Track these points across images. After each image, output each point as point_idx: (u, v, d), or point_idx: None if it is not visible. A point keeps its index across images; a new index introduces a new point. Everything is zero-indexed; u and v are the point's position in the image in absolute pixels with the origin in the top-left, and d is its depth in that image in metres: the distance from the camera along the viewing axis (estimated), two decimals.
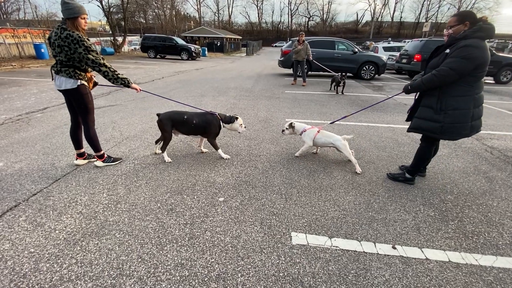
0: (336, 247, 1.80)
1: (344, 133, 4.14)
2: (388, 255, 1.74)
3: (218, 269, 1.60)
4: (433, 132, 2.28)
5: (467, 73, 2.03)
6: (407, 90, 2.38)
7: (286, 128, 3.24)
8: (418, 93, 2.43)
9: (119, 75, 2.50)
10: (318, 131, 3.08)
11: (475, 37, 1.97)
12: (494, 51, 10.12)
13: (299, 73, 8.83)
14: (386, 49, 14.30)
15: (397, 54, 12.24)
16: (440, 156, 3.37)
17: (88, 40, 2.38)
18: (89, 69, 2.55)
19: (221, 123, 3.03)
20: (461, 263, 1.69)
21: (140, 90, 2.76)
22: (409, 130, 2.50)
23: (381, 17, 66.48)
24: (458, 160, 3.27)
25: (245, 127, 3.18)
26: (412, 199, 2.40)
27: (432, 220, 2.11)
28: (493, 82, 10.49)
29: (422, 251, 1.78)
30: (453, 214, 2.20)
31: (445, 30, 2.19)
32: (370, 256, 1.73)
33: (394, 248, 1.80)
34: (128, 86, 2.59)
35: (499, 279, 1.58)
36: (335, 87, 7.66)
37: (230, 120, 3.05)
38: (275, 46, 54.70)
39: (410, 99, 7.01)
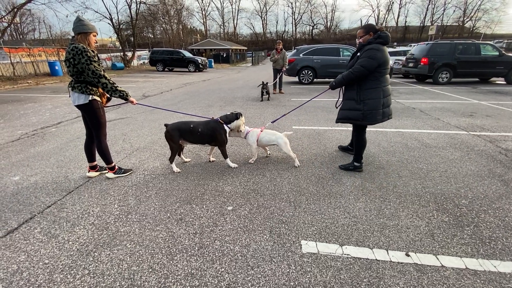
0: (348, 255, 1.77)
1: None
2: (401, 263, 1.69)
3: (228, 278, 1.59)
4: (357, 119, 2.78)
5: (374, 70, 2.60)
6: (332, 86, 2.93)
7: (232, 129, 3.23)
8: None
9: (117, 88, 2.53)
10: (261, 131, 3.19)
11: (376, 42, 2.59)
12: (503, 52, 9.91)
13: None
14: (391, 53, 14.24)
15: (403, 58, 12.17)
16: (452, 159, 3.30)
17: (93, 52, 2.44)
18: None
19: (226, 127, 3.06)
20: (479, 270, 1.63)
21: (136, 103, 2.75)
22: (337, 121, 3.02)
23: (386, 22, 66.45)
24: (471, 163, 3.18)
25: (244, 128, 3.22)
26: (424, 204, 2.35)
27: (447, 226, 2.05)
28: (505, 83, 10.25)
29: (437, 258, 1.72)
30: (468, 219, 2.14)
31: (356, 39, 2.81)
32: (383, 264, 1.69)
33: (407, 255, 1.75)
34: (126, 99, 2.60)
35: None
36: (264, 94, 7.50)
37: (236, 117, 3.10)
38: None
39: (418, 102, 6.96)
